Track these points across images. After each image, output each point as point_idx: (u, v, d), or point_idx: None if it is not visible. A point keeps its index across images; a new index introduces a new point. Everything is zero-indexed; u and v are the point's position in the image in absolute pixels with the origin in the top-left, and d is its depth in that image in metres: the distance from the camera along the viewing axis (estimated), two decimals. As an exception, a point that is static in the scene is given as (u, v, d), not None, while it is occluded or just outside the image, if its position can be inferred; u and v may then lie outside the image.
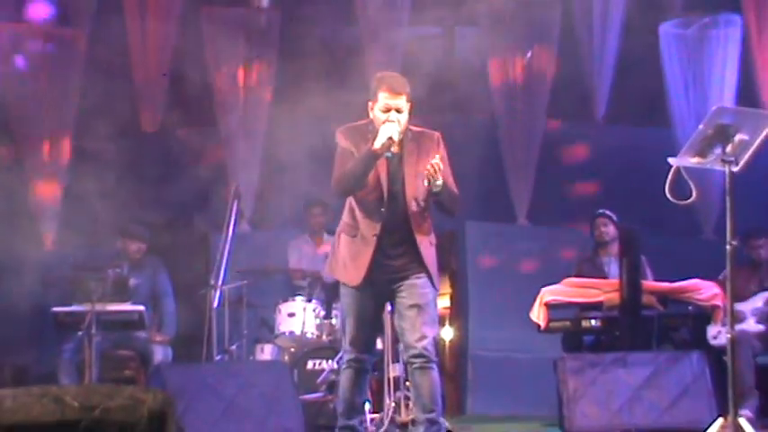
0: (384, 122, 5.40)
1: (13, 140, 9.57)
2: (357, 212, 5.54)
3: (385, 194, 5.47)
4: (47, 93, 9.72)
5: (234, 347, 8.35)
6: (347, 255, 5.55)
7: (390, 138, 5.35)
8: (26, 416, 2.96)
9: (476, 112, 10.03)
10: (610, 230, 8.42)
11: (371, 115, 5.53)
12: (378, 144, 5.34)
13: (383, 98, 5.46)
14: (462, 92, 9.48)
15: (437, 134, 5.66)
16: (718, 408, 6.29)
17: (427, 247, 5.53)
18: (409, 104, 5.50)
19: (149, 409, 3.03)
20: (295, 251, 9.03)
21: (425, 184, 5.39)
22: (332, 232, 8.65)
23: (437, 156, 5.37)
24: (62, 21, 10.05)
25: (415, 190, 5.49)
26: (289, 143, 9.72)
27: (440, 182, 5.35)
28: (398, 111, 5.44)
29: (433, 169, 5.32)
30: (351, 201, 5.58)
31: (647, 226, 8.43)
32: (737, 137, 5.24)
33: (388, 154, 5.42)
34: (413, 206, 5.48)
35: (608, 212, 8.53)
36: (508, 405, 9.10)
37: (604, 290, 7.78)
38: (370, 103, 5.54)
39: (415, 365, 5.44)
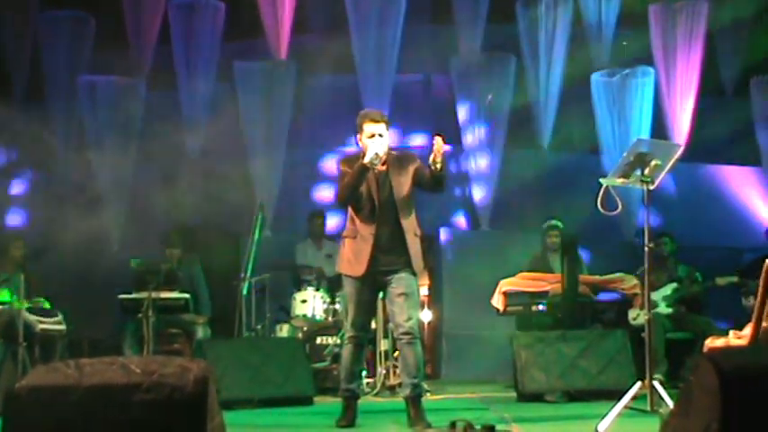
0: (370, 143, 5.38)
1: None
2: (356, 219, 5.50)
3: (376, 202, 5.43)
4: (115, 126, 9.76)
5: (259, 327, 8.31)
6: (351, 253, 5.50)
7: (376, 153, 5.32)
8: (101, 379, 2.98)
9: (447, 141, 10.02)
10: (558, 239, 8.42)
11: (361, 144, 5.48)
12: (367, 159, 5.31)
13: (367, 128, 5.43)
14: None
15: (413, 153, 5.66)
16: (636, 373, 6.29)
17: (413, 238, 5.47)
18: (389, 131, 5.46)
19: (194, 375, 3.05)
20: (301, 252, 9.02)
21: (431, 160, 5.19)
22: (330, 237, 8.71)
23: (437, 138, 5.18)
24: (125, 71, 10.07)
25: (401, 192, 5.44)
26: (300, 169, 9.76)
27: (440, 159, 5.19)
28: (380, 135, 5.41)
29: (438, 145, 5.15)
30: (351, 211, 5.54)
31: (583, 231, 8.43)
32: (653, 162, 5.27)
33: (376, 161, 5.32)
34: (401, 206, 5.41)
35: (557, 223, 8.52)
36: (474, 372, 9.10)
37: (550, 281, 7.79)
38: (358, 136, 5.50)
39: (402, 341, 5.42)
